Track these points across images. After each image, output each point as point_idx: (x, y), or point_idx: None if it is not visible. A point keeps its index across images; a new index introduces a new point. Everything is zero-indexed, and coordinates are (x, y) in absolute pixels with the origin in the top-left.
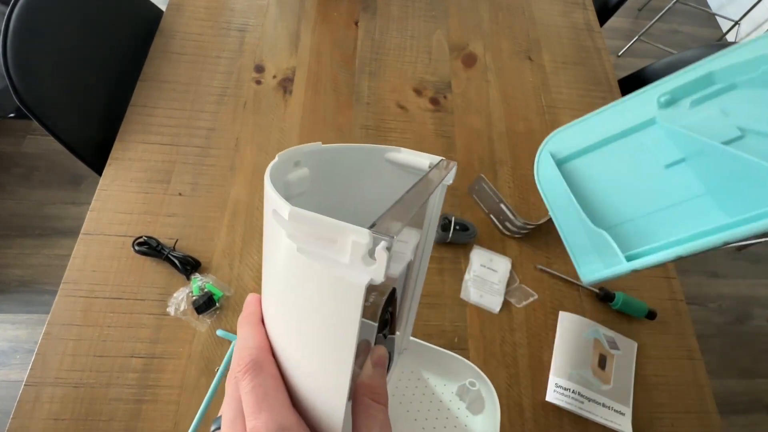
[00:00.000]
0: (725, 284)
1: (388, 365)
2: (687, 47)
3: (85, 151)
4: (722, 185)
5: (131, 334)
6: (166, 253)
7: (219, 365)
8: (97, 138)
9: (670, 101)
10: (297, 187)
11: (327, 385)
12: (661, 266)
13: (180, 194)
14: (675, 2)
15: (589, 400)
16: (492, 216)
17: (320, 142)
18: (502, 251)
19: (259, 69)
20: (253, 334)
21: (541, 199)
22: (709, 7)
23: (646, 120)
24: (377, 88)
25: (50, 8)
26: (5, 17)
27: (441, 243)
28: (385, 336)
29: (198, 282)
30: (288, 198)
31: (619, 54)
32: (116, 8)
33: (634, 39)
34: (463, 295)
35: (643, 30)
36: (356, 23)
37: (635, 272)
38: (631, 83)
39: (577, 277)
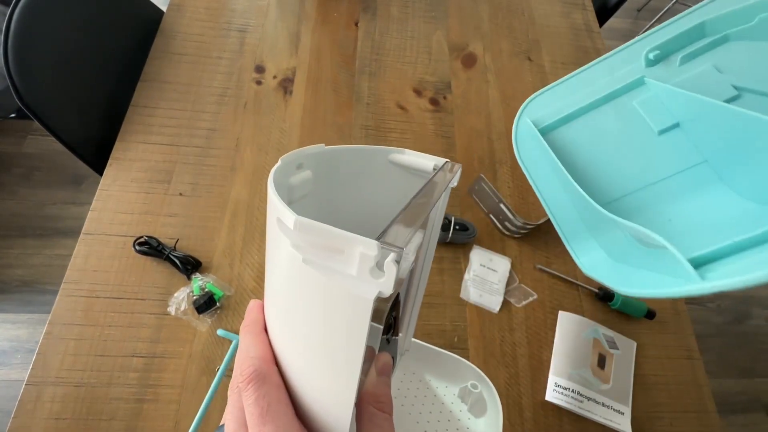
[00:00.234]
0: None
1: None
2: None
3: (85, 152)
4: (724, 153)
5: (132, 333)
6: (166, 252)
7: (220, 365)
8: (98, 138)
9: (659, 57)
10: (300, 190)
11: (332, 397)
12: None
13: (181, 194)
14: (674, 2)
15: (589, 399)
16: (492, 216)
17: (323, 144)
18: (502, 251)
19: (260, 69)
20: (255, 343)
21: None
22: None
23: (634, 80)
24: (377, 89)
25: (51, 9)
26: (6, 18)
27: (441, 243)
28: (388, 340)
29: (198, 282)
30: (290, 202)
31: None
32: (117, 9)
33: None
34: (462, 295)
35: (643, 30)
36: (356, 24)
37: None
38: None
39: (576, 276)
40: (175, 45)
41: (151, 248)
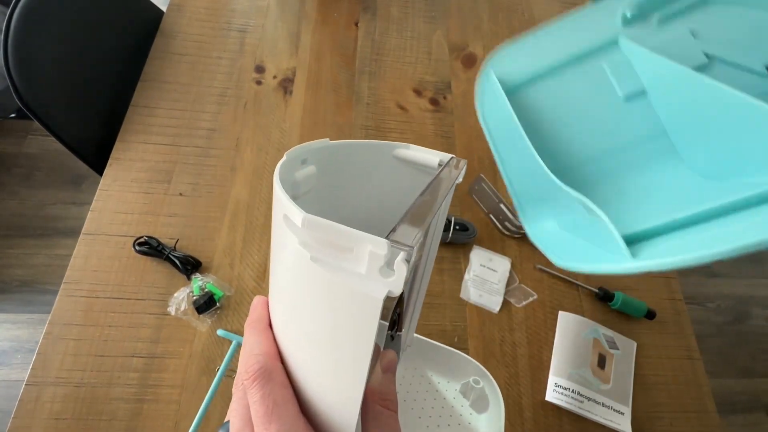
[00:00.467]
0: (724, 284)
1: None
2: None
3: (86, 152)
4: (684, 124)
5: (132, 333)
6: (166, 253)
7: (220, 365)
8: (98, 138)
9: (636, 17)
10: (304, 185)
11: (338, 395)
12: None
13: (181, 194)
14: None
15: (589, 399)
16: (492, 216)
17: (327, 139)
18: (502, 251)
19: (260, 69)
20: (260, 340)
21: None
22: None
23: (608, 40)
24: (377, 89)
25: (51, 9)
26: (6, 18)
27: (441, 243)
28: (392, 337)
29: (198, 282)
30: (295, 197)
31: None
32: (117, 9)
33: None
34: (462, 295)
35: None
36: (356, 24)
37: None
38: None
39: (576, 276)
40: (175, 45)
41: (151, 248)
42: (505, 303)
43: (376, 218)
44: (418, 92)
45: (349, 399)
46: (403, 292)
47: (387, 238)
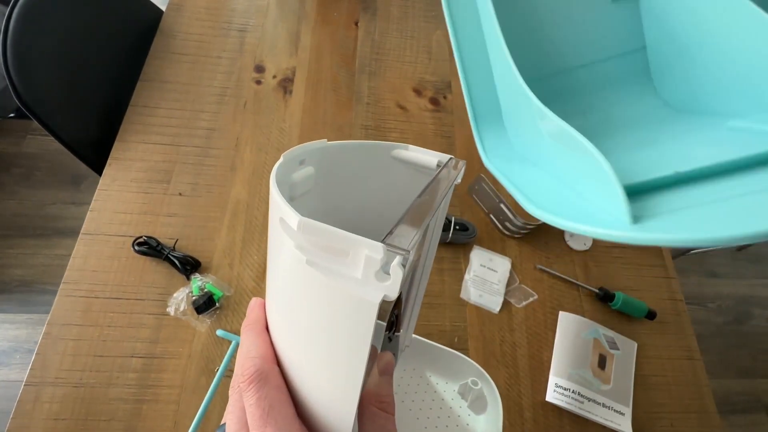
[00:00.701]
0: (725, 284)
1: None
2: None
3: (85, 151)
4: (669, 40)
5: (131, 333)
6: (166, 253)
7: (219, 365)
8: (98, 138)
9: None
10: (302, 186)
11: (335, 397)
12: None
13: (180, 194)
14: None
15: (589, 400)
16: (492, 216)
17: (325, 139)
18: (502, 251)
19: (260, 69)
20: (257, 342)
21: None
22: None
23: None
24: (377, 88)
25: (50, 8)
26: (5, 17)
27: (441, 243)
28: (390, 338)
29: (198, 282)
30: (292, 198)
31: None
32: (116, 8)
33: None
34: (462, 295)
35: None
36: (356, 23)
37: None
38: None
39: (577, 276)
40: (175, 45)
41: (150, 248)
42: (506, 303)
43: (375, 219)
44: (418, 92)
45: (345, 401)
46: (401, 294)
47: (383, 241)
